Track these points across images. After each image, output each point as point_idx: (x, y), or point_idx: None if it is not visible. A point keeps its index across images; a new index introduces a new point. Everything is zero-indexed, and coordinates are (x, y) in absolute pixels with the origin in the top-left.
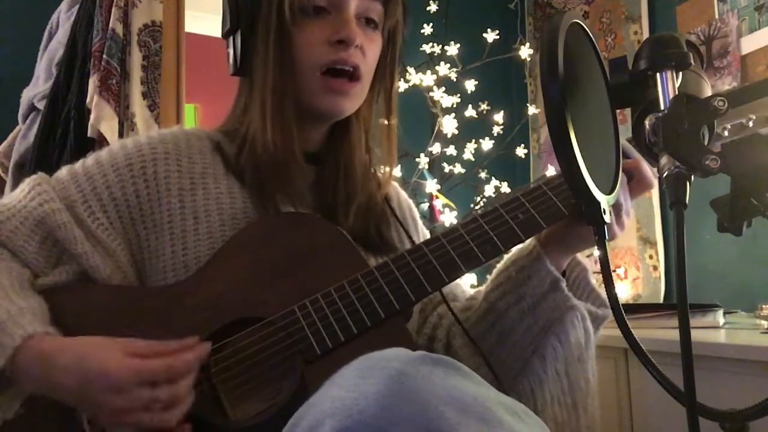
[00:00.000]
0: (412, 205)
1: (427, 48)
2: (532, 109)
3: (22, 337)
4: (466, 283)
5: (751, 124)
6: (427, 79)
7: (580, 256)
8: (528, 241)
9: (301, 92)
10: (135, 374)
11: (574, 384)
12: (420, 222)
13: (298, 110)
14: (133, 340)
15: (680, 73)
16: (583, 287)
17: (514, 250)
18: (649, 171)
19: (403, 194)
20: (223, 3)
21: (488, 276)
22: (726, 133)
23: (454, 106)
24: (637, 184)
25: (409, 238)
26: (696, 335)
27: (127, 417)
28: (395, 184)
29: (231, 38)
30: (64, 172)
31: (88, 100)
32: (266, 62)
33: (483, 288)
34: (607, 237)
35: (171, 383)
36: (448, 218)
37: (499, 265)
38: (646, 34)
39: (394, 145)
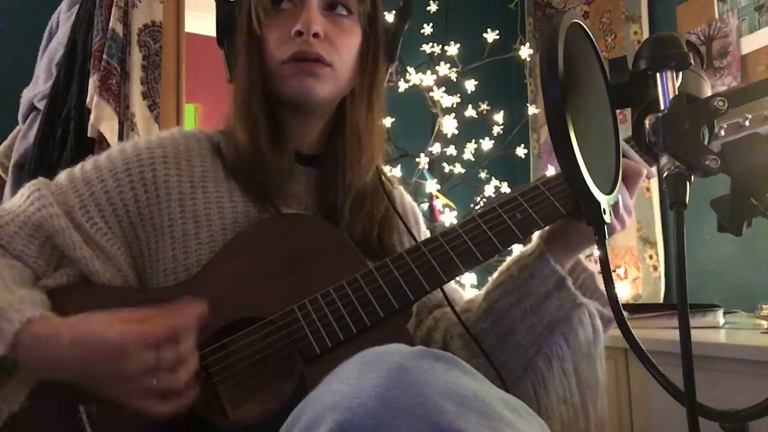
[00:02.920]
0: (416, 209)
1: (427, 48)
2: (532, 109)
3: (20, 321)
4: (467, 283)
5: (747, 123)
6: (427, 79)
7: (587, 262)
8: (532, 241)
9: (273, 86)
10: (138, 337)
11: (583, 382)
12: (423, 226)
13: (272, 107)
14: (128, 310)
15: (680, 73)
16: (592, 292)
17: (518, 250)
18: (635, 160)
19: (408, 197)
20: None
21: (489, 277)
22: (722, 133)
23: (454, 106)
24: (627, 177)
25: (411, 236)
26: (696, 335)
27: (134, 384)
28: (400, 187)
29: (224, 47)
30: (63, 176)
31: (88, 100)
32: (238, 66)
33: (482, 290)
34: (606, 236)
35: (174, 343)
36: (448, 218)
37: (501, 266)
38: (646, 34)
39: (378, 138)
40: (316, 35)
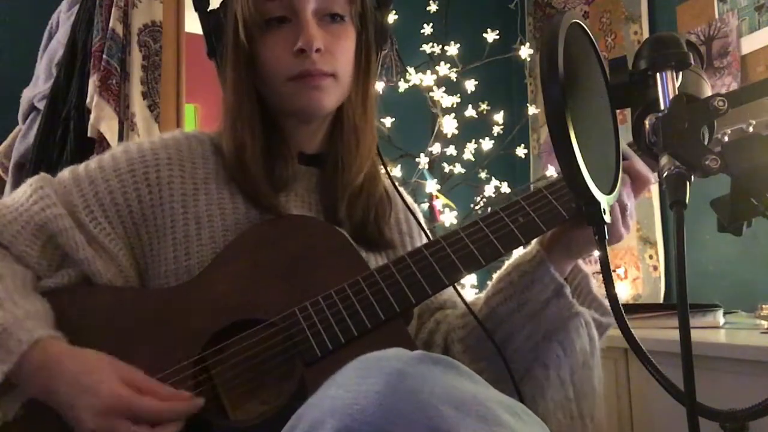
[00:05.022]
0: (417, 210)
1: (427, 48)
2: (532, 109)
3: (29, 342)
4: (467, 284)
5: (751, 129)
6: (427, 79)
7: (582, 262)
8: (531, 246)
9: (278, 100)
10: (122, 404)
11: (580, 391)
12: (424, 226)
13: (271, 116)
14: (135, 369)
15: (680, 73)
16: (585, 295)
17: (517, 254)
18: (644, 167)
19: (409, 199)
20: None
21: (489, 280)
22: (726, 138)
23: (454, 106)
24: (634, 183)
25: (416, 221)
26: (696, 335)
27: None
28: (401, 189)
29: (214, 59)
30: (66, 174)
31: (88, 100)
32: (226, 81)
33: (483, 294)
34: (607, 237)
35: (152, 426)
36: (448, 218)
37: (500, 270)
38: (646, 34)
39: (372, 133)
40: (317, 50)
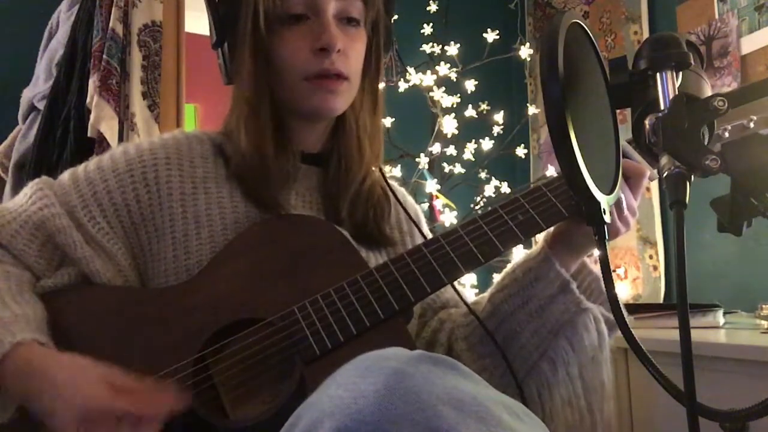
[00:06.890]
0: (418, 210)
1: (427, 48)
2: (532, 109)
3: (11, 343)
4: (467, 284)
5: (752, 125)
6: (427, 79)
7: (592, 265)
8: (536, 245)
9: (289, 98)
10: (100, 406)
11: (589, 386)
12: (426, 228)
13: (279, 113)
14: (116, 371)
15: (680, 73)
16: (597, 295)
17: (522, 253)
18: (636, 160)
19: (410, 199)
20: (208, 16)
21: (493, 278)
22: (726, 135)
23: (454, 106)
24: (629, 179)
25: (414, 223)
26: (696, 335)
27: None
28: (402, 189)
29: (219, 50)
30: (66, 176)
31: (88, 100)
32: (242, 74)
33: (486, 293)
34: (607, 236)
35: (135, 425)
36: (448, 218)
37: (505, 269)
38: (646, 34)
39: (379, 136)
40: (338, 51)
